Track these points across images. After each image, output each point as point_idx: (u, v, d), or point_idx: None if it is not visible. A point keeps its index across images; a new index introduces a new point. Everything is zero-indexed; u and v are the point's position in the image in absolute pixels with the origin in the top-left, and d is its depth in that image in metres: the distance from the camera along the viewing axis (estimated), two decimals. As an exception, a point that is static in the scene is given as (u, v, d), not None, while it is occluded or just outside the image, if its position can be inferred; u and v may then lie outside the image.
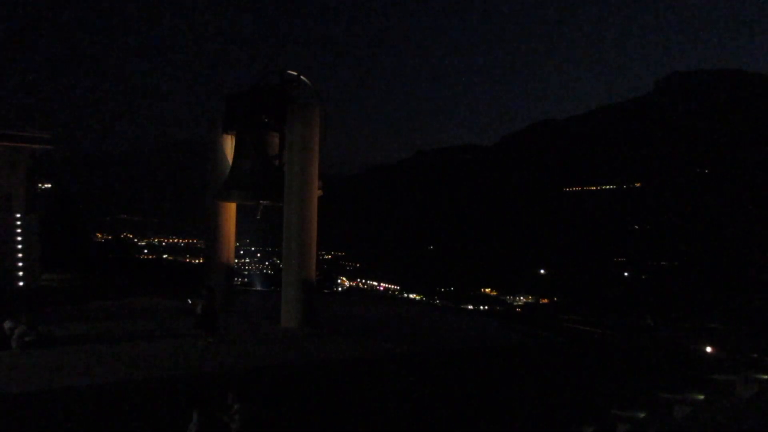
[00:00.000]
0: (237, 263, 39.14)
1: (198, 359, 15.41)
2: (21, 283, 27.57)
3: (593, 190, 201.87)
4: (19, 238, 27.98)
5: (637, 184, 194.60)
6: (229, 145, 23.14)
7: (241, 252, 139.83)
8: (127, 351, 15.83)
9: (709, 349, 27.59)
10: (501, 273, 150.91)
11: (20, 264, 27.78)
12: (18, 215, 28.46)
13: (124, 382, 12.90)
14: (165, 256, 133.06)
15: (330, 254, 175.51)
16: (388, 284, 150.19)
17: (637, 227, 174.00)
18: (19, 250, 27.85)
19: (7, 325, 15.87)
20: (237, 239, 24.34)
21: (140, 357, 15.24)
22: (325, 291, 51.63)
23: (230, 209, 23.27)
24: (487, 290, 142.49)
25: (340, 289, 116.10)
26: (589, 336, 28.91)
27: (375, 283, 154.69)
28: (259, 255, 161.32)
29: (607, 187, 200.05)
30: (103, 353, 15.43)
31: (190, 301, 18.07)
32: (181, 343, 16.91)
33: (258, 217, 22.42)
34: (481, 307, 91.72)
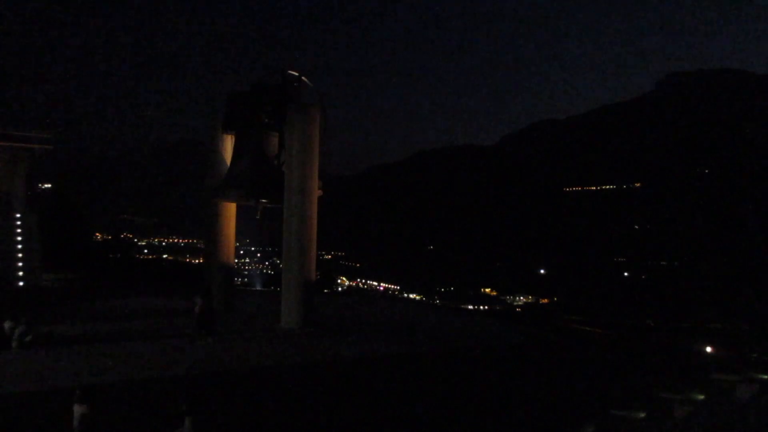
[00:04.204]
0: (237, 263, 39.14)
1: (198, 359, 15.41)
2: (21, 283, 27.58)
3: (593, 190, 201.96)
4: (19, 238, 28.00)
5: (637, 184, 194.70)
6: (228, 145, 23.13)
7: (241, 252, 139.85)
8: (127, 351, 15.82)
9: (709, 349, 27.63)
10: (501, 273, 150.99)
11: (20, 264, 27.80)
12: (18, 215, 28.47)
13: (125, 382, 12.89)
14: (165, 256, 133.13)
15: (330, 254, 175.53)
16: (388, 284, 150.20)
17: (637, 227, 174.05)
18: (19, 250, 27.86)
19: (7, 325, 15.87)
20: (237, 239, 24.34)
21: (140, 357, 15.24)
22: (325, 291, 51.66)
23: (230, 209, 23.27)
24: (487, 290, 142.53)
25: (340, 289, 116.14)
26: (589, 336, 28.95)
27: (375, 283, 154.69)
28: (259, 255, 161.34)
29: (607, 187, 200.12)
30: (103, 353, 15.43)
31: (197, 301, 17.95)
32: (180, 343, 16.91)
33: (258, 217, 22.42)
34: (481, 307, 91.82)
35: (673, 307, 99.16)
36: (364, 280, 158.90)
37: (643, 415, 11.12)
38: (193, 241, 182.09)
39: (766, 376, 13.59)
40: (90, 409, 9.13)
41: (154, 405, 11.53)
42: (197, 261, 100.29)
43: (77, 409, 9.09)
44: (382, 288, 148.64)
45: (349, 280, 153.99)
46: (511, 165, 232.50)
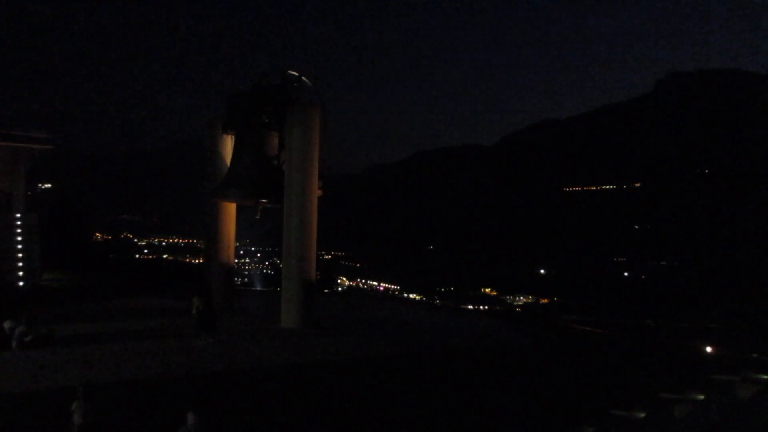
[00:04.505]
0: (237, 263, 39.13)
1: (197, 359, 15.41)
2: (21, 283, 27.58)
3: (593, 190, 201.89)
4: (19, 238, 28.00)
5: (637, 184, 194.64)
6: (228, 145, 23.13)
7: (241, 252, 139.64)
8: (127, 351, 15.83)
9: (709, 349, 27.60)
10: (501, 273, 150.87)
11: (20, 264, 27.80)
12: (18, 215, 28.47)
13: (124, 382, 12.90)
14: (165, 256, 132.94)
15: (330, 254, 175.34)
16: (388, 284, 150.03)
17: (637, 227, 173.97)
18: (19, 250, 27.86)
19: (7, 325, 15.87)
20: (237, 239, 24.33)
21: (140, 357, 15.24)
22: (325, 291, 51.66)
23: (230, 209, 23.27)
24: (487, 290, 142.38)
25: (340, 289, 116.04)
26: (589, 336, 28.93)
27: (375, 283, 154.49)
28: (259, 255, 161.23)
29: (607, 187, 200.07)
30: (103, 353, 15.43)
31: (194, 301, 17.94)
32: (181, 343, 16.91)
33: (258, 217, 22.41)
34: (481, 307, 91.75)
35: (673, 307, 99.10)
36: (364, 280, 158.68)
37: (643, 415, 11.12)
38: (193, 241, 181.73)
39: (766, 376, 13.56)
40: (91, 406, 9.15)
41: (154, 405, 11.53)
42: (197, 261, 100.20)
43: (79, 406, 9.10)
44: (382, 288, 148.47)
45: (349, 280, 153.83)
46: (511, 165, 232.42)
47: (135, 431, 10.38)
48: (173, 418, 10.47)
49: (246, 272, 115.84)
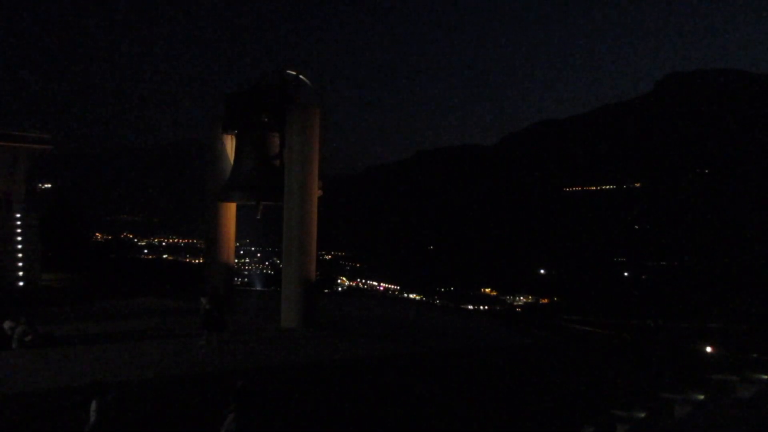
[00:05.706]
0: (237, 263, 39.07)
1: (198, 359, 15.40)
2: (21, 283, 27.57)
3: (593, 190, 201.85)
4: (19, 238, 27.99)
5: (637, 184, 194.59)
6: (229, 145, 23.13)
7: (241, 252, 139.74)
8: (128, 351, 15.82)
9: (709, 349, 27.62)
10: (501, 273, 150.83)
11: (20, 264, 27.78)
12: (18, 215, 28.44)
13: (125, 382, 12.89)
14: (165, 256, 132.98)
15: (330, 254, 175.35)
16: (388, 284, 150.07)
17: (637, 227, 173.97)
18: (19, 250, 27.85)
19: (7, 325, 15.87)
20: (237, 239, 24.33)
21: (141, 357, 15.24)
22: (326, 291, 51.65)
23: (230, 209, 23.26)
24: (487, 290, 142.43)
25: (340, 289, 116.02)
26: (589, 336, 28.95)
27: (375, 283, 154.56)
28: (259, 255, 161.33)
29: (607, 187, 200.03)
30: (103, 353, 15.43)
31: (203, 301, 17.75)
32: (181, 343, 16.91)
33: (258, 217, 22.41)
34: (481, 307, 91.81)
35: (673, 307, 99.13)
36: (364, 280, 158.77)
37: (643, 415, 11.12)
38: (193, 241, 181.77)
39: (766, 376, 13.55)
40: (104, 405, 9.13)
41: (155, 405, 11.53)
42: (197, 261, 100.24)
43: (93, 405, 9.09)
44: (382, 288, 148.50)
45: (349, 280, 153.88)
46: (511, 165, 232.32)
47: (139, 431, 10.37)
48: (175, 417, 10.49)
49: (246, 272, 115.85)
